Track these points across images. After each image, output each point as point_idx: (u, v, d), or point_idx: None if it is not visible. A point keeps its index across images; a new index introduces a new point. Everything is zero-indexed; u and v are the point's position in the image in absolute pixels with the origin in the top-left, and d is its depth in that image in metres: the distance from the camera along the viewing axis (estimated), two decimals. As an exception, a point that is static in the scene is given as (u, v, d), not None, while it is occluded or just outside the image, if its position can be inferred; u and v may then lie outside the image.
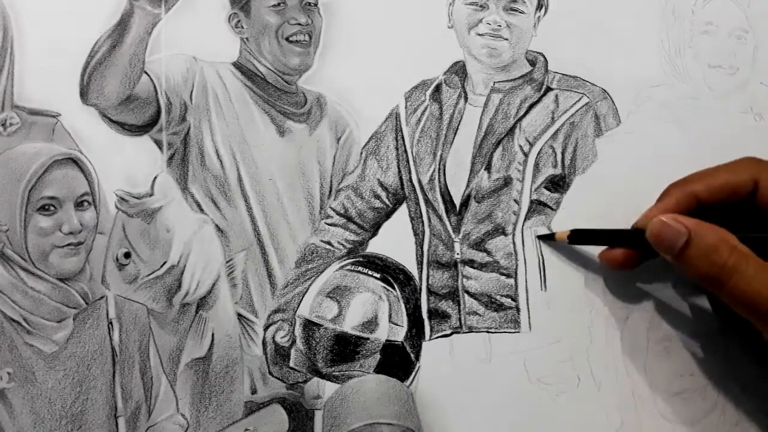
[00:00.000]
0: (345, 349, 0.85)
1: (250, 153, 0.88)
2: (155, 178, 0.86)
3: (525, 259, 0.86)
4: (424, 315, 0.87)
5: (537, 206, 0.87)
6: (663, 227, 0.77)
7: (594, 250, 0.85)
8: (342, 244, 0.88)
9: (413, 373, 0.85)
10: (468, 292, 0.86)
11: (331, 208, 0.89)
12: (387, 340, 0.85)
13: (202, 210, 0.87)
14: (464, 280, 0.86)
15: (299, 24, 0.89)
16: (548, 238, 0.85)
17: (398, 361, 0.85)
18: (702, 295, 0.85)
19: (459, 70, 0.90)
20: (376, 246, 0.88)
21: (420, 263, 0.87)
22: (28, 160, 0.84)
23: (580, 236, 0.84)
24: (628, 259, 0.82)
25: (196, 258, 0.86)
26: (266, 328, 0.86)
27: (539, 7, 0.90)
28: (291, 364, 0.86)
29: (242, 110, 0.89)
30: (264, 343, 0.86)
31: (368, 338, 0.85)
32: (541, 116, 0.88)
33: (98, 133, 0.86)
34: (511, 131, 0.88)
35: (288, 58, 0.90)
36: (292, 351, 0.86)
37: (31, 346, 0.83)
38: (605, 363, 0.83)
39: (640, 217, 0.82)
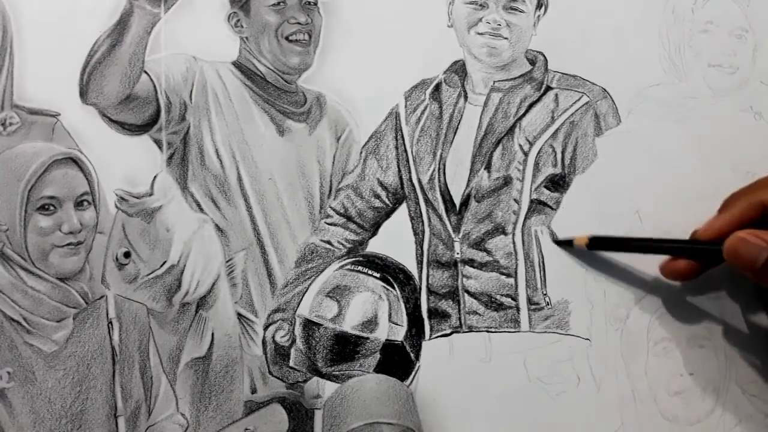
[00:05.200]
0: (345, 348, 0.85)
1: (250, 152, 0.88)
2: (155, 177, 0.86)
3: (525, 259, 0.86)
4: (424, 314, 0.87)
5: (537, 205, 0.87)
6: (742, 244, 0.76)
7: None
8: (342, 244, 0.88)
9: (413, 373, 0.85)
10: (468, 292, 0.86)
11: (330, 207, 0.89)
12: (387, 340, 0.85)
13: (201, 209, 0.87)
14: (464, 279, 0.86)
15: (299, 23, 0.89)
16: (565, 244, 0.85)
17: (398, 361, 0.85)
18: (702, 295, 0.85)
19: (459, 69, 0.90)
20: (376, 245, 0.88)
21: (420, 263, 0.87)
22: (28, 160, 0.84)
23: (600, 243, 0.83)
24: (690, 270, 0.81)
25: (196, 257, 0.86)
26: (266, 328, 0.86)
27: (539, 6, 0.90)
28: (291, 363, 0.86)
29: (242, 109, 0.89)
30: (264, 342, 0.86)
31: (368, 338, 0.85)
32: (541, 115, 0.88)
33: (98, 133, 0.86)
34: (511, 130, 0.88)
35: (288, 58, 0.90)
36: (292, 350, 0.86)
37: (31, 346, 0.83)
38: (605, 363, 0.83)
39: (704, 226, 0.81)
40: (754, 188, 0.80)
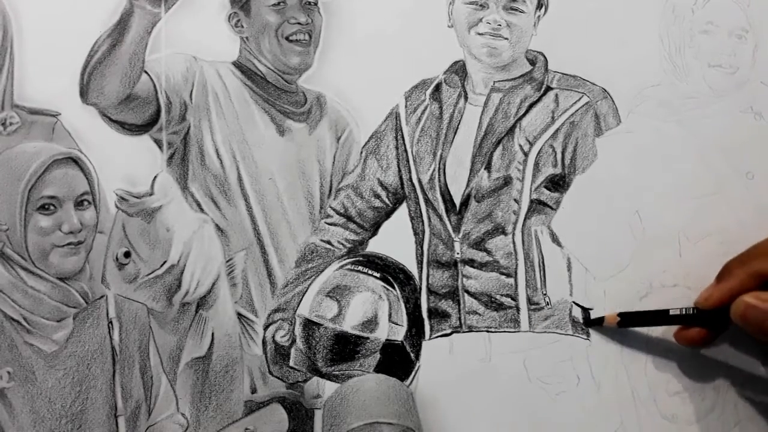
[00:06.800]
0: (345, 348, 0.85)
1: (250, 152, 0.88)
2: (155, 177, 0.86)
3: (525, 259, 0.86)
4: (424, 314, 0.87)
5: (537, 206, 0.87)
6: (748, 309, 0.76)
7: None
8: (342, 244, 0.88)
9: (413, 373, 0.85)
10: (468, 292, 0.86)
11: (331, 207, 0.89)
12: (387, 340, 0.85)
13: (202, 209, 0.87)
14: (464, 279, 0.86)
15: (299, 23, 0.89)
16: (596, 323, 0.85)
17: (398, 361, 0.85)
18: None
19: (459, 69, 0.90)
20: (376, 245, 0.88)
21: (420, 263, 0.87)
22: (28, 160, 0.84)
23: (630, 319, 0.83)
24: (700, 337, 0.82)
25: (196, 257, 0.86)
26: (266, 328, 0.86)
27: (539, 6, 0.90)
28: (291, 363, 0.86)
29: (242, 109, 0.89)
30: (264, 342, 0.86)
31: (368, 337, 0.85)
32: (541, 115, 0.88)
33: (98, 133, 0.86)
34: (511, 130, 0.88)
35: (288, 58, 0.90)
36: (292, 350, 0.86)
37: (31, 346, 0.83)
38: (605, 363, 0.83)
39: (704, 294, 0.81)
40: (750, 257, 0.79)
